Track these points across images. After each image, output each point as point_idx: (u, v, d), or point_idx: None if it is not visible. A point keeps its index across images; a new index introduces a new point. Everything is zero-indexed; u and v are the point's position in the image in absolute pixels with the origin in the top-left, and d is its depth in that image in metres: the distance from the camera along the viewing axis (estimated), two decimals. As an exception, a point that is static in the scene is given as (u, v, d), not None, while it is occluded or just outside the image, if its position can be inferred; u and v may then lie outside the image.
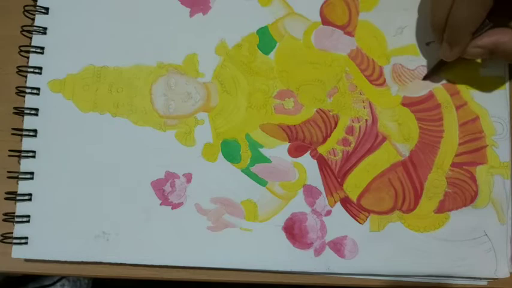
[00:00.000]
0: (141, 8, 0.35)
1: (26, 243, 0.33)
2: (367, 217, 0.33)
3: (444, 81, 0.34)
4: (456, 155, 0.34)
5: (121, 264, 0.33)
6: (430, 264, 0.32)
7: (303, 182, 0.34)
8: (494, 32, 0.30)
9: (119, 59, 0.35)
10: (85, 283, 0.79)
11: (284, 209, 0.33)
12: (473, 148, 0.34)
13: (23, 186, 0.33)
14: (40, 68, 0.35)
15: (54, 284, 0.79)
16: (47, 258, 0.33)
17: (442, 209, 0.33)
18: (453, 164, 0.33)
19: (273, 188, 0.33)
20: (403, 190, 0.33)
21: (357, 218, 0.33)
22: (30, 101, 0.34)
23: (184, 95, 0.35)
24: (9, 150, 0.34)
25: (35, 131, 0.34)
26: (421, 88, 0.34)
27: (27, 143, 0.34)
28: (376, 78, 0.35)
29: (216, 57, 0.35)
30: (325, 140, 0.34)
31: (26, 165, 0.34)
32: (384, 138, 0.34)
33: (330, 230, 0.33)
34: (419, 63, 0.35)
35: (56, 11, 0.35)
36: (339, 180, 0.34)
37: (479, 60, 0.34)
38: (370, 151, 0.34)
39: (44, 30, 0.35)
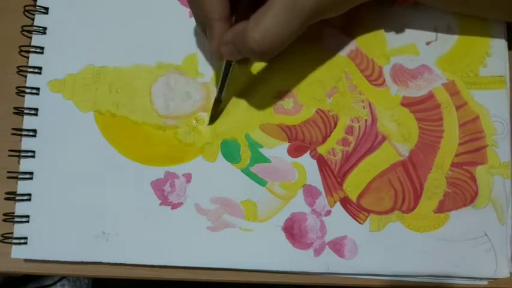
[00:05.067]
0: (140, 8, 0.35)
1: (26, 243, 0.33)
2: (367, 217, 0.33)
3: (444, 81, 0.34)
4: (456, 155, 0.34)
5: (121, 264, 0.33)
6: (430, 264, 0.32)
7: (303, 182, 0.33)
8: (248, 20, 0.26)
9: (119, 59, 0.35)
10: (85, 283, 0.79)
11: (284, 209, 0.33)
12: (474, 148, 0.34)
13: (22, 186, 0.33)
14: (40, 68, 0.35)
15: (54, 284, 0.79)
16: (46, 259, 0.33)
17: (441, 209, 0.33)
18: (453, 164, 0.33)
19: (273, 188, 0.33)
20: (402, 190, 0.33)
21: (357, 218, 0.33)
22: (29, 101, 0.34)
23: (183, 95, 0.35)
24: (9, 150, 0.34)
25: (35, 130, 0.34)
26: (421, 88, 0.34)
27: (26, 143, 0.34)
28: (375, 78, 0.34)
29: (216, 57, 0.35)
30: (324, 140, 0.34)
31: (25, 165, 0.34)
32: (384, 138, 0.34)
33: (330, 230, 0.33)
34: (419, 63, 0.35)
35: (56, 11, 0.35)
36: (339, 180, 0.33)
37: (479, 59, 0.34)
38: (369, 151, 0.34)
39: (43, 30, 0.35)
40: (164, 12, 0.35)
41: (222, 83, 0.32)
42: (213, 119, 0.34)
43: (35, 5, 0.35)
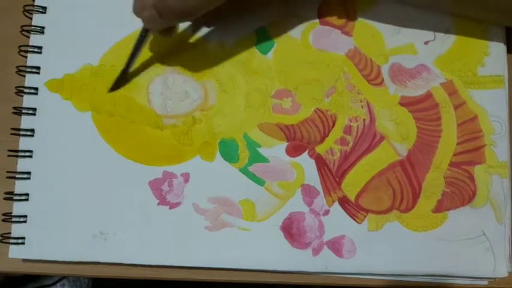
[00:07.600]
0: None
1: (23, 243, 0.33)
2: (365, 217, 0.33)
3: (442, 81, 0.34)
4: (454, 155, 0.34)
5: (119, 264, 0.33)
6: (428, 264, 0.32)
7: (301, 182, 0.33)
8: None
9: (117, 58, 0.35)
10: (85, 283, 0.79)
11: (282, 208, 0.33)
12: (472, 147, 0.34)
13: (20, 186, 0.33)
14: (38, 68, 0.35)
15: (54, 284, 0.79)
16: (44, 258, 0.33)
17: (440, 208, 0.33)
18: (451, 164, 0.33)
19: (271, 187, 0.33)
20: (401, 190, 0.33)
21: (355, 218, 0.33)
22: (28, 100, 0.34)
23: (181, 94, 0.34)
24: (8, 150, 0.34)
25: (32, 130, 0.34)
26: (419, 87, 0.34)
27: (24, 143, 0.34)
28: (374, 78, 0.34)
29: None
30: (323, 139, 0.34)
31: (23, 165, 0.34)
32: (382, 138, 0.34)
33: (328, 229, 0.33)
34: (417, 62, 0.35)
35: (54, 11, 0.35)
36: (337, 179, 0.33)
37: (477, 59, 0.34)
38: (368, 151, 0.34)
39: (41, 30, 0.35)
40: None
41: (134, 52, 0.32)
42: (115, 87, 0.34)
43: (33, 5, 0.35)
